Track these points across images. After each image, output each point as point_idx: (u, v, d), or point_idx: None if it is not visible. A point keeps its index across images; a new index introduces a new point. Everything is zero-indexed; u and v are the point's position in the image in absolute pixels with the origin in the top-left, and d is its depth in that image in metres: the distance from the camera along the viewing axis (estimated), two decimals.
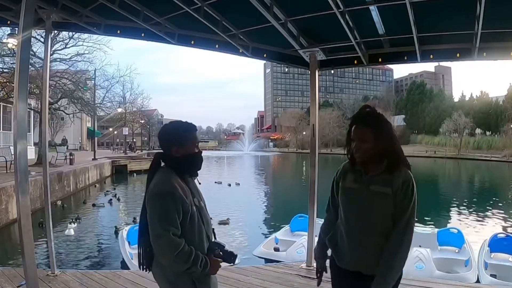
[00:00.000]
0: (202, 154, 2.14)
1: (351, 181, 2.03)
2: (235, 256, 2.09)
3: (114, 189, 18.86)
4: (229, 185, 21.18)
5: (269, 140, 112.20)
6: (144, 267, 2.05)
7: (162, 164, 2.07)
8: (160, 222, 1.87)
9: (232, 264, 2.13)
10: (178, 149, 2.02)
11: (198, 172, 2.15)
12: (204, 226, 2.02)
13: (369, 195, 1.94)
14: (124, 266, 6.70)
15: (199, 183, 2.18)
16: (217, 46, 4.57)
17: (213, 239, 2.12)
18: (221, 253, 2.06)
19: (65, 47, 20.72)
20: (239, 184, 21.44)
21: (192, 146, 2.06)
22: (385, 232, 1.92)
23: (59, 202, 13.60)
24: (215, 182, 21.48)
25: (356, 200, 1.99)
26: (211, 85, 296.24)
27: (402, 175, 1.94)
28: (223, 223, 11.27)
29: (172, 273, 1.95)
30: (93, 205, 14.27)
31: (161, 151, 2.11)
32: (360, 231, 1.98)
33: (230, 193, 18.71)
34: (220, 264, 2.06)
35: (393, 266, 1.89)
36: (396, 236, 1.90)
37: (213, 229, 2.17)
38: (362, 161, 1.98)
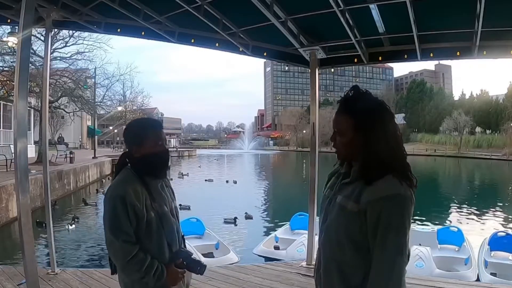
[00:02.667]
0: (173, 153, 1.97)
1: (328, 187, 1.60)
2: (204, 266, 1.92)
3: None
4: (227, 181, 21.41)
5: (269, 139, 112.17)
6: (112, 269, 1.97)
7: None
8: (110, 227, 1.78)
9: (200, 274, 1.95)
10: (137, 149, 1.89)
11: (167, 173, 2.03)
12: (164, 233, 1.86)
13: (335, 209, 1.47)
14: None
15: (169, 179, 2.02)
16: (217, 44, 4.57)
17: (180, 247, 1.97)
18: (184, 262, 1.90)
19: (65, 46, 20.77)
20: (236, 182, 21.46)
21: (153, 145, 1.89)
22: (347, 266, 1.42)
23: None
24: (205, 180, 21.55)
25: (325, 212, 1.55)
26: (211, 84, 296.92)
27: (380, 189, 1.36)
28: (248, 217, 12.03)
29: (129, 279, 1.85)
30: (86, 203, 14.21)
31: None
32: (324, 252, 1.52)
33: (230, 192, 18.71)
34: (183, 274, 1.91)
35: None
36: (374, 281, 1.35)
37: (183, 236, 2.04)
38: (341, 160, 1.56)
